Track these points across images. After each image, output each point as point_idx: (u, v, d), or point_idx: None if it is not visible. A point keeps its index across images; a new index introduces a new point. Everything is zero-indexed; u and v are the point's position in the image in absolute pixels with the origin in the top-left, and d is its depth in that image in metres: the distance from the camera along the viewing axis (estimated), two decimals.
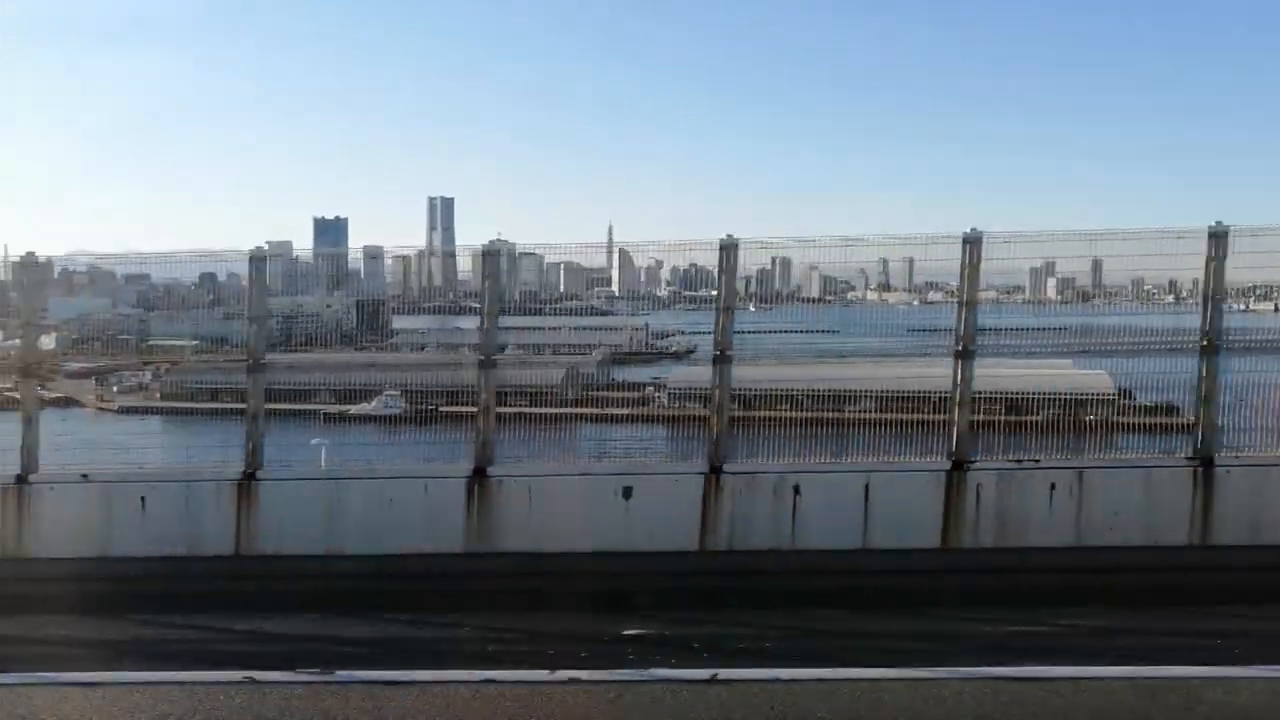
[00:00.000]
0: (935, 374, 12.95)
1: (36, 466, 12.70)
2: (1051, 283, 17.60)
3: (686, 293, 20.61)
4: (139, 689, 7.74)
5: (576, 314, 20.20)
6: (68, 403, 16.36)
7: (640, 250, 17.96)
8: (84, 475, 12.62)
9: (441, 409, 14.43)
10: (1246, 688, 7.53)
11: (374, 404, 14.46)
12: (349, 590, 10.95)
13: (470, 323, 18.85)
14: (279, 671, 7.96)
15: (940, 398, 12.61)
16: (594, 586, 10.79)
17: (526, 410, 14.66)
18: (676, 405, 15.85)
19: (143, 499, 12.36)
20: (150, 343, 15.72)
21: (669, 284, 21.37)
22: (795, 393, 14.64)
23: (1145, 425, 13.70)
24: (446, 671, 7.95)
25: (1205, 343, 12.16)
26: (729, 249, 12.54)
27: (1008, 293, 18.26)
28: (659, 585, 10.84)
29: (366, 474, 12.91)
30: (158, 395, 15.86)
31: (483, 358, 12.87)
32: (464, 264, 20.34)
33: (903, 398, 13.85)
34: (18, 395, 13.03)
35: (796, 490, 12.06)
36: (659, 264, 20.93)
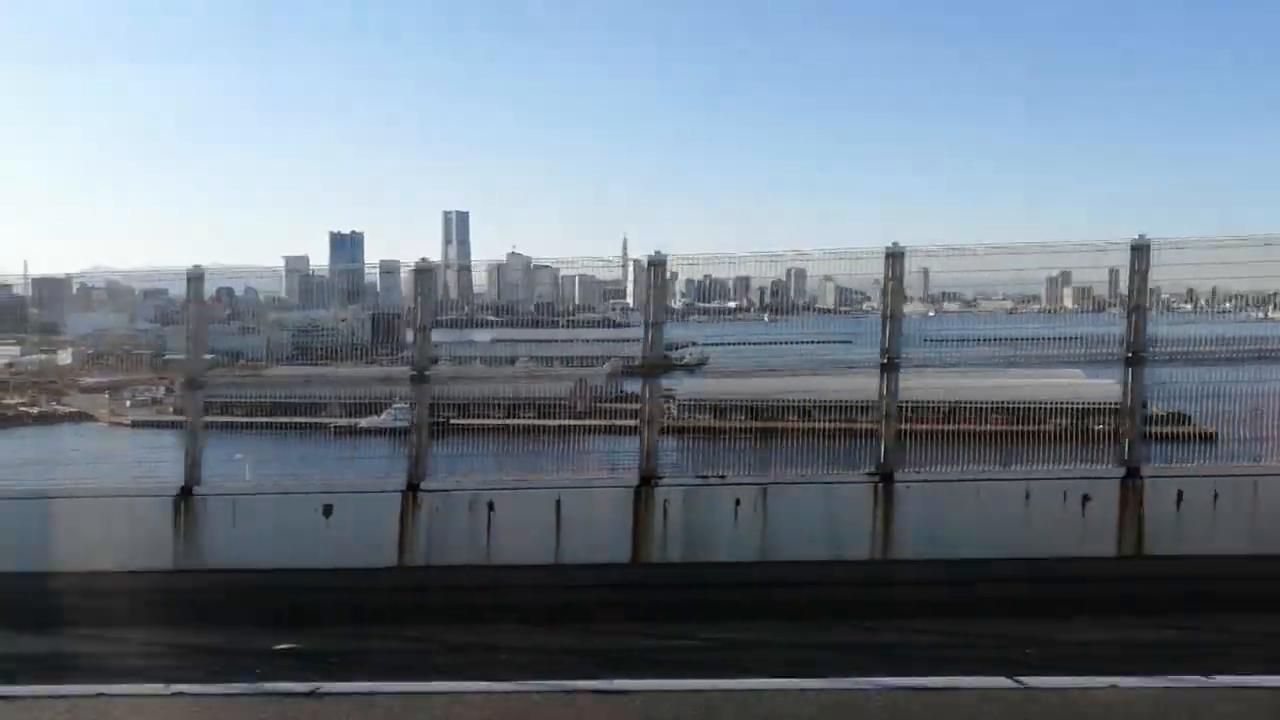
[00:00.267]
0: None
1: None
2: (1068, 291, 17.51)
3: (701, 304, 20.62)
4: None
5: (590, 326, 20.23)
6: (81, 417, 16.59)
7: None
8: None
9: (452, 421, 14.48)
10: (814, 699, 7.53)
11: (383, 417, 14.53)
12: None
13: (484, 335, 19.01)
14: None
15: None
16: (289, 602, 11.19)
17: (536, 423, 14.73)
18: (686, 416, 15.85)
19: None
20: (166, 357, 15.90)
21: (683, 295, 21.36)
22: None
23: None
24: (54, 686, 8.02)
25: None
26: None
27: (1024, 302, 18.17)
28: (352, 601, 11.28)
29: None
30: (170, 410, 16.01)
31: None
32: (479, 278, 20.55)
33: None
34: (34, 410, 13.25)
35: (490, 506, 12.63)
36: (674, 275, 20.97)
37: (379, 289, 19.78)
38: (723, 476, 13.19)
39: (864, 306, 18.93)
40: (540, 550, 12.65)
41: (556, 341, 18.75)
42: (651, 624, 10.25)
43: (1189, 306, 16.07)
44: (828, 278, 17.81)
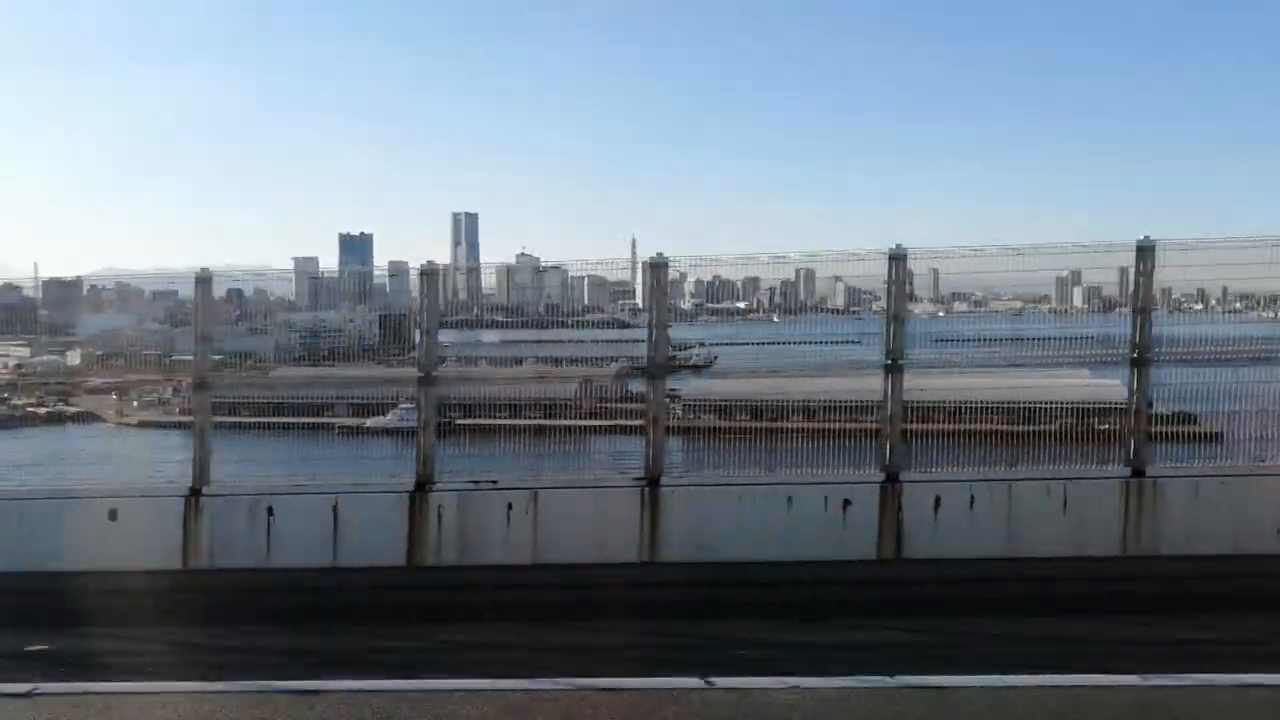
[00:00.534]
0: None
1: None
2: (1078, 292, 17.40)
3: (710, 305, 20.62)
4: None
5: (599, 327, 20.20)
6: (88, 418, 16.67)
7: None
8: None
9: (457, 421, 14.48)
10: (551, 698, 7.61)
11: (389, 417, 14.55)
12: None
13: (493, 336, 19.03)
14: None
15: None
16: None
17: (542, 423, 14.71)
18: (692, 416, 15.81)
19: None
20: (174, 358, 15.96)
21: (692, 296, 21.33)
22: None
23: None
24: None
25: None
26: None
27: (1034, 302, 18.07)
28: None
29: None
30: (177, 410, 16.07)
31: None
32: (488, 279, 20.59)
33: None
34: (41, 411, 13.33)
35: (271, 511, 12.73)
36: (683, 276, 20.95)
37: (388, 290, 19.84)
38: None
39: (874, 307, 18.88)
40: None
41: (564, 342, 18.75)
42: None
43: (1200, 306, 15.97)
44: (837, 278, 17.79)
